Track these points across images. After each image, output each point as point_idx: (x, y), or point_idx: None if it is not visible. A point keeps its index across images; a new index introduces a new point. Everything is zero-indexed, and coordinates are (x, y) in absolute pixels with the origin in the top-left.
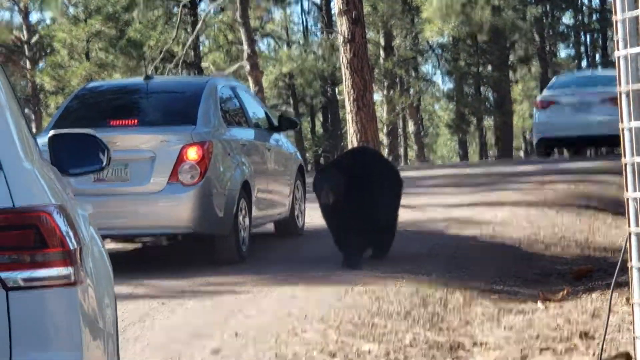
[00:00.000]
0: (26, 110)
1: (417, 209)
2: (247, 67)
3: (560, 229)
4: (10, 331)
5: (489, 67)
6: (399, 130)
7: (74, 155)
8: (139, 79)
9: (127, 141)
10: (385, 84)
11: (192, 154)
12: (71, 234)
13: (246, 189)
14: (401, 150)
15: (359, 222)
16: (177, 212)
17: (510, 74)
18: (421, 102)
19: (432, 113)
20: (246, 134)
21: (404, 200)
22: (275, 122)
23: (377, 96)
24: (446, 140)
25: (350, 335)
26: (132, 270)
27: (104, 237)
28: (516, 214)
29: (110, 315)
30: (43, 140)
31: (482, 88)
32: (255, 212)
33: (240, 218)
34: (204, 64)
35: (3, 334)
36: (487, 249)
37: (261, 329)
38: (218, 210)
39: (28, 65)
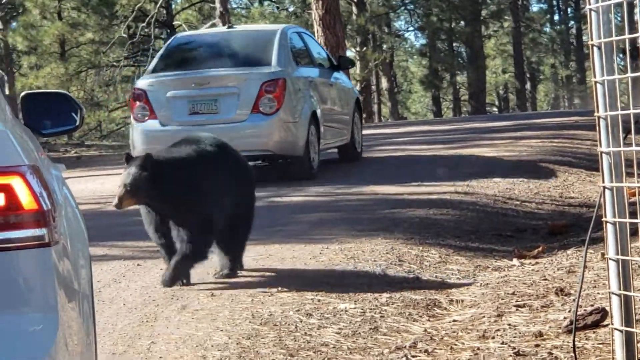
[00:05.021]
0: None
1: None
2: (220, 24)
3: (535, 185)
4: None
5: (462, 23)
6: (372, 87)
7: (47, 115)
8: (223, 28)
9: (216, 80)
10: (358, 40)
11: (270, 88)
12: (44, 194)
13: (315, 118)
14: (375, 107)
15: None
16: (260, 137)
17: (483, 29)
18: (394, 59)
19: (406, 69)
20: (312, 72)
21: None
22: (335, 62)
23: (350, 53)
24: (420, 97)
25: (326, 295)
26: (105, 231)
27: None
28: (490, 170)
29: (85, 276)
30: (146, 81)
31: (454, 44)
32: (322, 138)
33: (311, 142)
34: (176, 22)
35: None
36: (461, 206)
37: (237, 289)
38: (293, 135)
39: (0, 25)
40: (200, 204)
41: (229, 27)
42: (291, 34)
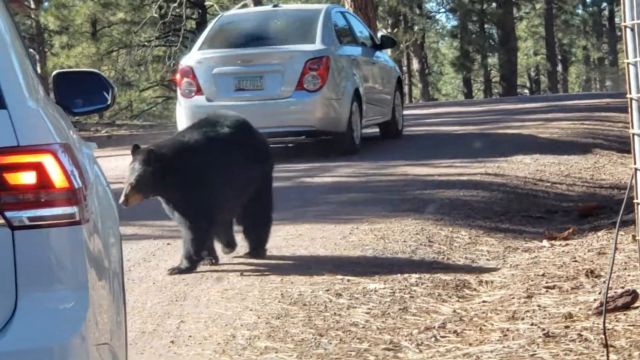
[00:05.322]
0: (30, 50)
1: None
2: (252, 5)
3: (566, 167)
4: (15, 271)
5: (493, 4)
6: (404, 68)
7: (79, 94)
8: (267, 7)
9: (261, 58)
10: (389, 21)
11: (314, 66)
12: (76, 172)
13: (357, 95)
14: (405, 89)
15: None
16: (303, 113)
17: (515, 10)
18: (425, 40)
19: (437, 51)
20: (355, 50)
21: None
22: (378, 41)
23: (381, 34)
24: (450, 78)
25: (356, 275)
26: (135, 210)
27: None
28: (521, 151)
29: (115, 255)
30: (193, 57)
31: (486, 25)
32: (364, 115)
33: (354, 118)
34: (207, 3)
35: (9, 274)
36: (492, 187)
37: (266, 268)
38: (336, 112)
39: (32, 4)
40: (201, 199)
41: (274, 6)
42: (335, 13)
